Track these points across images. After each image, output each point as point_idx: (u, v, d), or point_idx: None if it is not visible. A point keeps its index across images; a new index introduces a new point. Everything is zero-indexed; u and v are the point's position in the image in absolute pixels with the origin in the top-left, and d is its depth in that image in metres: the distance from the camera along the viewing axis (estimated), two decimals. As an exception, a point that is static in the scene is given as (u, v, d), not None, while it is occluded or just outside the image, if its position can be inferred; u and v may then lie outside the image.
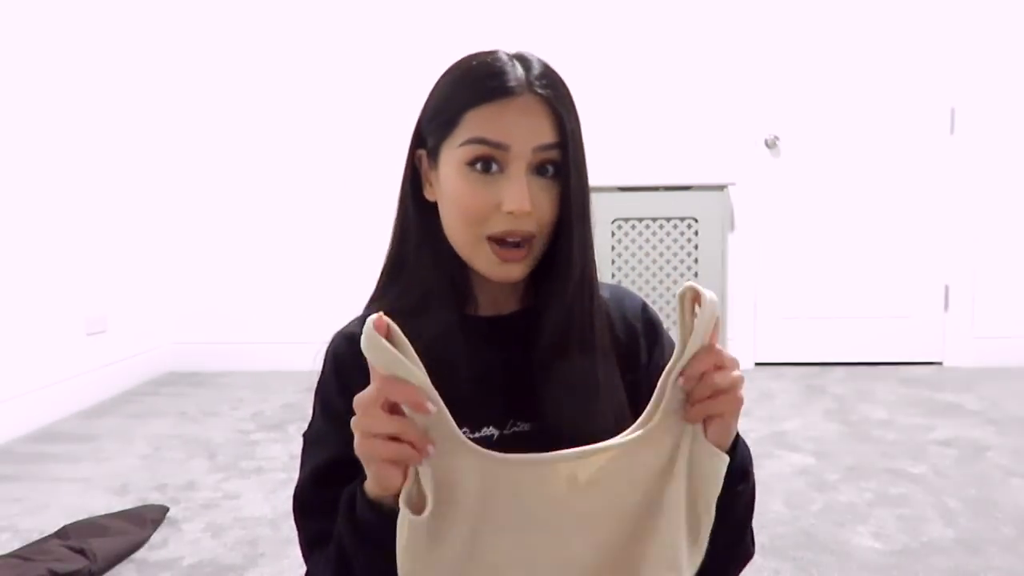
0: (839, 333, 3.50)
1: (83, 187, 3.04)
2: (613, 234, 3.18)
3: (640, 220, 3.18)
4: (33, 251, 2.76)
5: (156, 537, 1.82)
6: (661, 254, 3.19)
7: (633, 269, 3.20)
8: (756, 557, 1.07)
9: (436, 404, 0.63)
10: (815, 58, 3.40)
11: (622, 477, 0.67)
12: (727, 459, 0.69)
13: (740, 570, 0.81)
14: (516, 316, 0.79)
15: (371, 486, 0.66)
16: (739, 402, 0.68)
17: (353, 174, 3.50)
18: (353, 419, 0.62)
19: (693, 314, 0.67)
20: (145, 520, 1.86)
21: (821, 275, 3.49)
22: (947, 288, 3.46)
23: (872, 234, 3.46)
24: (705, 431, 0.68)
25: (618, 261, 3.19)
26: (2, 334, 2.61)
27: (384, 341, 0.61)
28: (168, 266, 3.59)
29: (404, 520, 0.63)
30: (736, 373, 0.67)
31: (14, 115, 2.68)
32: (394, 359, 0.61)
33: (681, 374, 0.67)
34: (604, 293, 0.81)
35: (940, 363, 3.47)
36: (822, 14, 3.38)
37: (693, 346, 0.67)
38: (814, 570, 1.60)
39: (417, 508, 0.64)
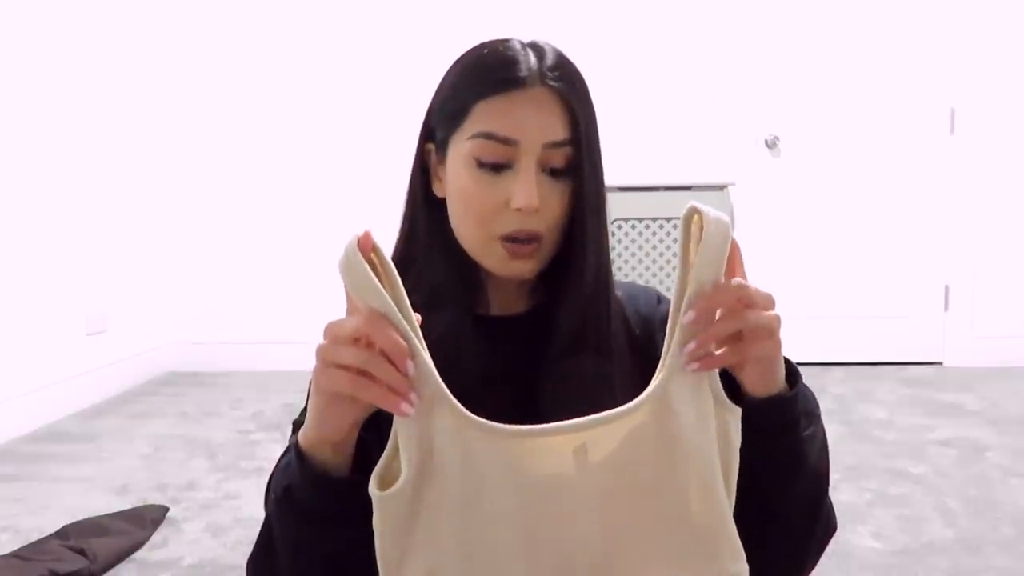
0: (839, 333, 3.49)
1: (84, 187, 3.04)
2: (613, 234, 3.17)
3: (640, 220, 3.18)
4: (33, 250, 2.76)
5: (156, 537, 1.82)
6: (661, 254, 3.19)
7: (633, 269, 3.20)
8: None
9: (417, 361, 0.52)
10: (815, 58, 3.40)
11: (634, 448, 0.57)
12: (739, 411, 0.59)
13: (822, 548, 0.70)
14: (526, 316, 0.76)
15: (308, 430, 0.58)
16: (779, 346, 0.59)
17: (354, 173, 3.49)
18: (317, 345, 0.54)
19: (700, 242, 0.55)
20: (145, 520, 1.87)
21: (821, 275, 3.49)
22: (947, 288, 3.46)
23: (872, 234, 3.46)
24: (740, 380, 0.61)
25: (618, 261, 3.19)
26: (2, 334, 2.61)
27: (364, 264, 0.50)
28: (169, 266, 3.58)
29: (374, 497, 0.55)
30: (772, 313, 0.57)
31: (15, 115, 2.68)
32: (370, 289, 0.50)
33: (690, 311, 0.55)
34: (618, 292, 0.77)
35: (940, 363, 3.46)
36: (822, 14, 3.38)
37: (701, 278, 0.54)
38: (814, 570, 1.60)
39: (388, 484, 0.55)
